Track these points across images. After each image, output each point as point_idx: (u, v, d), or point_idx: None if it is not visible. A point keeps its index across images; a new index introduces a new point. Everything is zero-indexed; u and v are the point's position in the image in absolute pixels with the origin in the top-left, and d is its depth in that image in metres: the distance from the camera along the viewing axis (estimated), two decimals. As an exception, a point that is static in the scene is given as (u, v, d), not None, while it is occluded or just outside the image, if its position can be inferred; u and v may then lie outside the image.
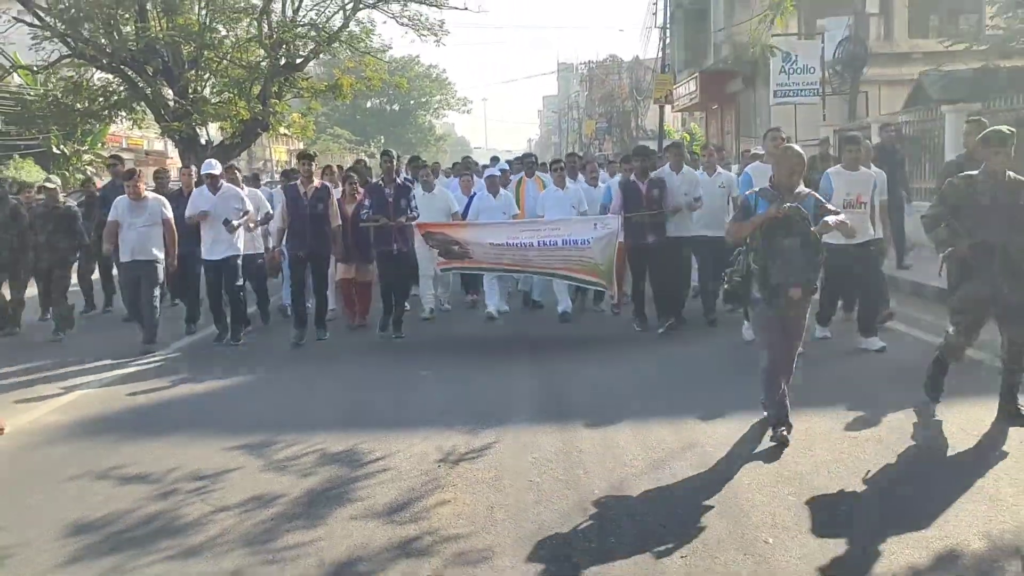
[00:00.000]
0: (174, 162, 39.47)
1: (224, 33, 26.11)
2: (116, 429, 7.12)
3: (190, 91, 25.31)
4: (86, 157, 32.60)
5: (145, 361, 9.68)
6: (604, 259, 9.75)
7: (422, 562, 4.36)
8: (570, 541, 4.58)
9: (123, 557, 4.47)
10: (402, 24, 26.51)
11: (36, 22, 23.83)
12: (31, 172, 26.75)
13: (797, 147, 6.11)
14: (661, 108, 29.03)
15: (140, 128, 31.18)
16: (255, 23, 25.51)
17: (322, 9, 26.79)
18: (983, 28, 18.71)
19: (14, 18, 23.95)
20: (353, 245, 10.63)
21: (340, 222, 10.10)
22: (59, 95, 26.06)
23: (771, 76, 18.42)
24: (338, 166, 14.84)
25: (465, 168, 14.07)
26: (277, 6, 25.65)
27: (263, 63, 25.33)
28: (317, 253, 10.00)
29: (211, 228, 9.92)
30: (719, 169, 10.64)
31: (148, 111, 26.25)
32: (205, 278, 10.31)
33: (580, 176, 12.26)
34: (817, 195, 6.16)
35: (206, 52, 24.89)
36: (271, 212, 10.67)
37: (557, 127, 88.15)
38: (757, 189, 6.18)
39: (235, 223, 9.74)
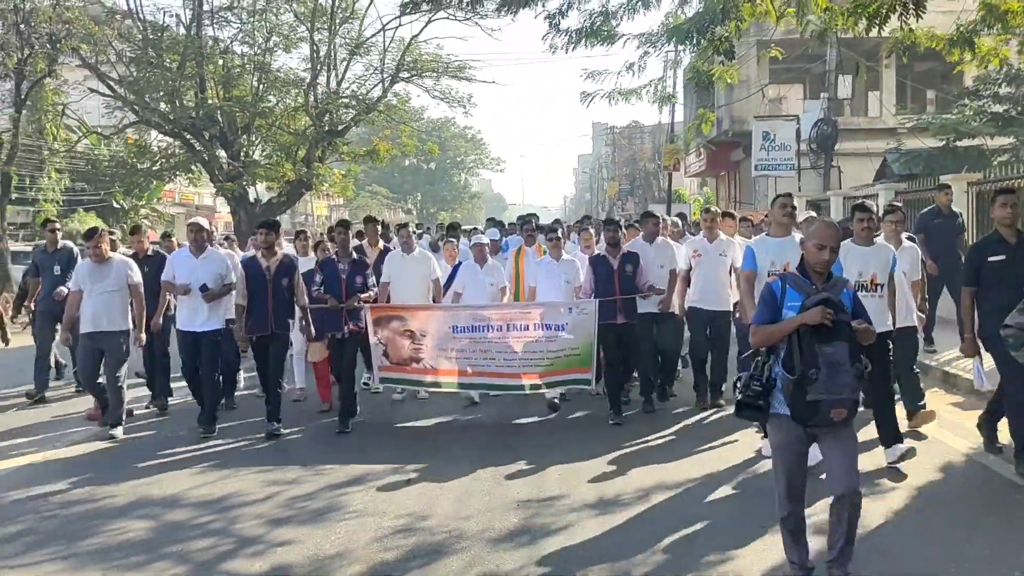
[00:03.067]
0: (222, 216, 42.50)
1: (274, 103, 28.99)
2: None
3: (242, 154, 28.20)
4: (143, 211, 35.56)
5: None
6: (582, 344, 8.58)
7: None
8: None
9: None
10: (434, 97, 29.33)
11: (109, 92, 26.86)
12: (93, 225, 29.46)
13: (828, 219, 5.04)
14: (670, 175, 31.35)
15: (196, 187, 34.09)
16: (302, 94, 28.37)
17: (363, 82, 29.78)
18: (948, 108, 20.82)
19: (89, 88, 27.01)
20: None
21: (306, 301, 8.69)
22: (126, 157, 29.15)
23: (753, 152, 20.72)
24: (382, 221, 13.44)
25: (451, 233, 12.31)
26: (323, 79, 28.51)
27: (308, 130, 28.11)
28: (278, 334, 8.46)
29: (191, 297, 8.55)
30: (721, 236, 9.15)
31: (204, 172, 29.11)
32: (181, 351, 8.72)
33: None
34: (857, 285, 5.27)
35: (258, 120, 27.72)
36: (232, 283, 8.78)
37: (589, 185, 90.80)
38: (781, 273, 5.19)
39: (213, 290, 8.50)
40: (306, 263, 9.50)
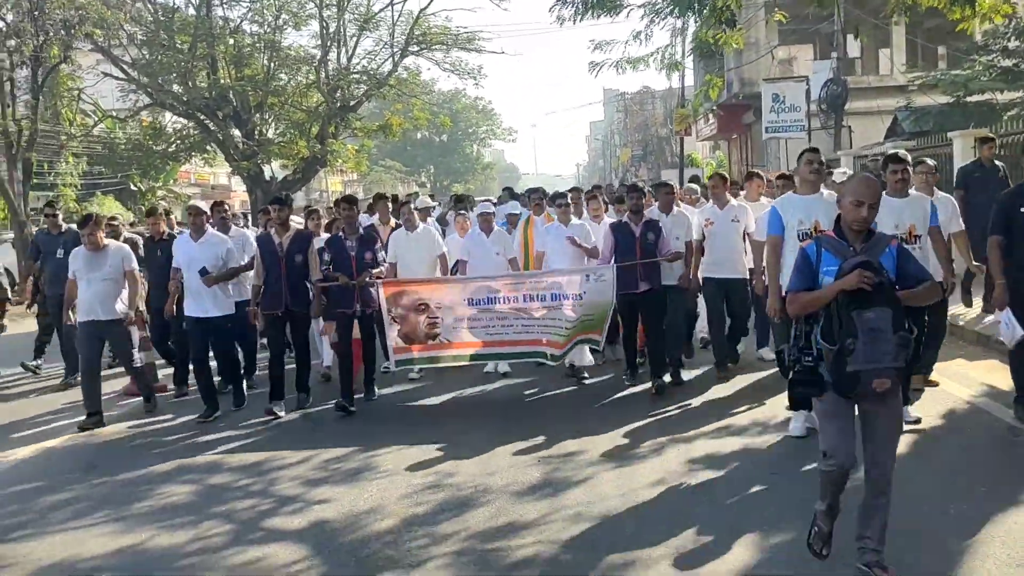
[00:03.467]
0: (237, 195, 42.94)
1: (286, 81, 29.23)
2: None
3: (256, 133, 28.49)
4: (159, 193, 35.95)
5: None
6: (596, 311, 8.45)
7: None
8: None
9: None
10: (444, 70, 29.51)
11: (122, 76, 27.16)
12: (111, 208, 29.87)
13: (867, 174, 4.67)
14: (681, 140, 31.45)
15: (211, 167, 34.44)
16: (314, 71, 28.58)
17: (373, 57, 29.96)
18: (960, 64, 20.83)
19: (103, 72, 27.32)
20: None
21: (319, 276, 8.47)
22: (142, 139, 29.52)
23: (763, 114, 20.85)
24: (393, 196, 13.83)
25: (460, 205, 12.22)
26: (333, 55, 28.70)
27: (321, 106, 28.35)
28: (295, 311, 8.41)
29: (193, 280, 8.35)
30: (732, 201, 8.91)
31: (219, 151, 29.45)
32: (190, 337, 8.66)
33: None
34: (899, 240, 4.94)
35: (270, 98, 27.97)
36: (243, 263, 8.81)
37: (602, 152, 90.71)
38: (816, 236, 4.73)
39: (212, 274, 8.23)
40: (319, 243, 9.13)
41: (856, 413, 4.22)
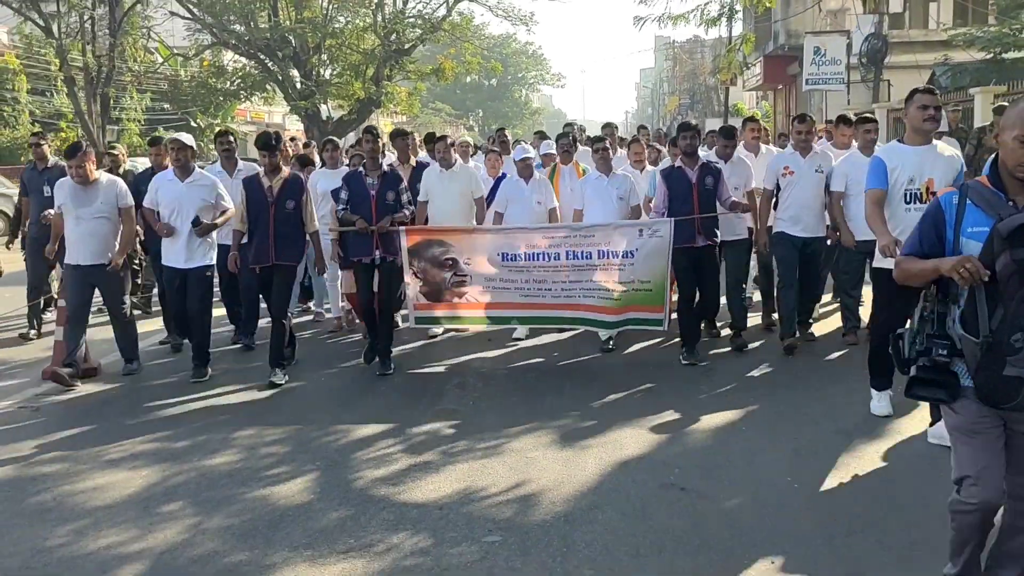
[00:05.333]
0: (290, 133, 44.09)
1: (343, 23, 30.24)
2: None
3: (314, 74, 29.63)
4: (218, 129, 37.36)
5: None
6: (654, 276, 7.22)
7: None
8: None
9: None
10: (497, 15, 30.32)
11: (188, 15, 28.39)
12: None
13: None
14: (727, 89, 31.90)
15: (270, 105, 35.70)
16: (370, 14, 29.55)
17: (428, 2, 30.83)
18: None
19: (171, 12, 28.56)
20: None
21: (317, 227, 7.42)
22: (205, 78, 30.83)
23: (804, 67, 21.44)
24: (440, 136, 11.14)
25: (499, 142, 10.60)
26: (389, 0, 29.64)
27: (376, 49, 29.34)
28: (282, 265, 7.18)
29: (178, 225, 7.25)
30: (815, 148, 7.63)
31: (278, 91, 30.64)
32: (166, 289, 7.72)
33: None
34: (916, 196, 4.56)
35: (328, 40, 29.02)
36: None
37: (651, 100, 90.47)
38: (964, 184, 3.31)
39: (206, 223, 7.25)
40: (336, 176, 8.16)
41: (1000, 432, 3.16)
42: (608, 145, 8.31)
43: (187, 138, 7.54)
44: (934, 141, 5.52)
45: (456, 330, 8.39)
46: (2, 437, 5.79)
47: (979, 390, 3.06)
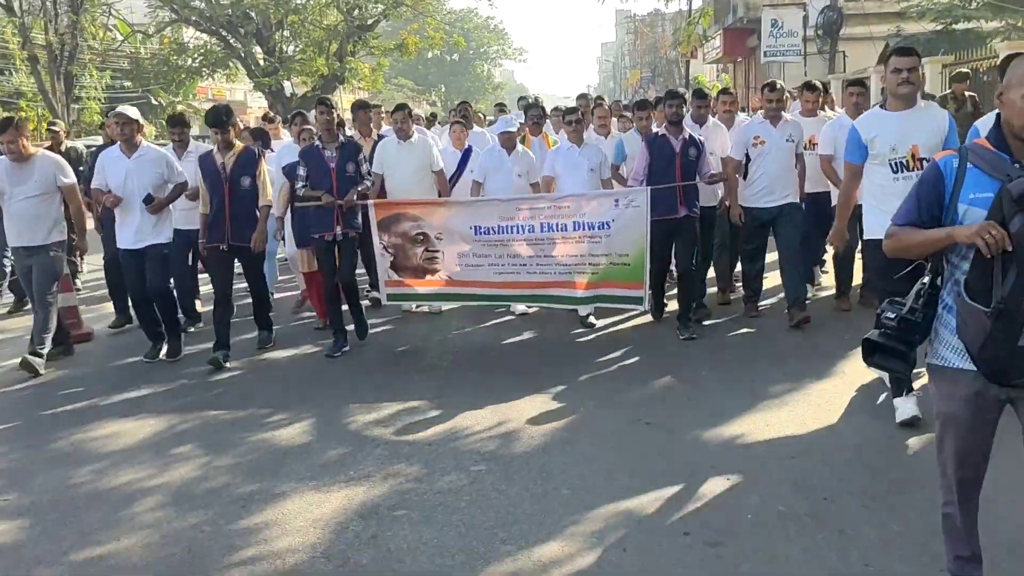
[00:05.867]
0: (252, 112, 44.05)
1: (305, -1, 30.32)
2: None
3: (277, 50, 29.68)
4: (180, 107, 37.23)
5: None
6: (631, 249, 6.89)
7: None
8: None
9: None
10: (460, -10, 30.52)
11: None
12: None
13: None
14: (687, 62, 32.38)
15: (232, 83, 35.63)
16: (332, -10, 29.64)
17: (390, -24, 30.92)
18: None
19: (130, -12, 28.45)
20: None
21: (270, 201, 7.15)
22: (166, 55, 30.74)
23: (761, 39, 21.96)
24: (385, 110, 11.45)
25: (461, 115, 10.03)
26: (351, -26, 29.69)
27: (339, 24, 29.44)
28: (239, 247, 6.91)
29: (125, 205, 6.87)
30: (785, 116, 7.40)
31: (241, 68, 30.63)
32: (124, 271, 7.18)
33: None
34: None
35: (290, 16, 29.07)
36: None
37: (613, 74, 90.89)
38: (963, 146, 3.02)
39: (159, 199, 6.88)
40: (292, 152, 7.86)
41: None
42: (580, 116, 8.09)
43: (132, 111, 7.07)
44: (920, 103, 5.10)
45: (428, 309, 8.18)
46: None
47: (987, 364, 2.78)
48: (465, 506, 4.10)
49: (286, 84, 30.60)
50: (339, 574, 3.58)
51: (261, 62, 29.34)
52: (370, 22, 30.42)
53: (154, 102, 35.12)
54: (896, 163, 4.99)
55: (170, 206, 7.08)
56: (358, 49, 30.71)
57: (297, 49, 31.09)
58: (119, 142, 6.98)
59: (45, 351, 6.77)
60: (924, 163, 4.73)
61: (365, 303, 8.00)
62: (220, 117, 6.88)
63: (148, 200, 6.78)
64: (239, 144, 7.03)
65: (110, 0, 27.73)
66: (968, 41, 19.79)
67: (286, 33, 30.23)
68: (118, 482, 4.53)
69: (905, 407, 4.81)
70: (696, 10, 13.23)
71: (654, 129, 7.51)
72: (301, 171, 7.05)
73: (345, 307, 7.22)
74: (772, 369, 6.03)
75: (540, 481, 4.33)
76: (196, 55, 30.85)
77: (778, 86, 7.45)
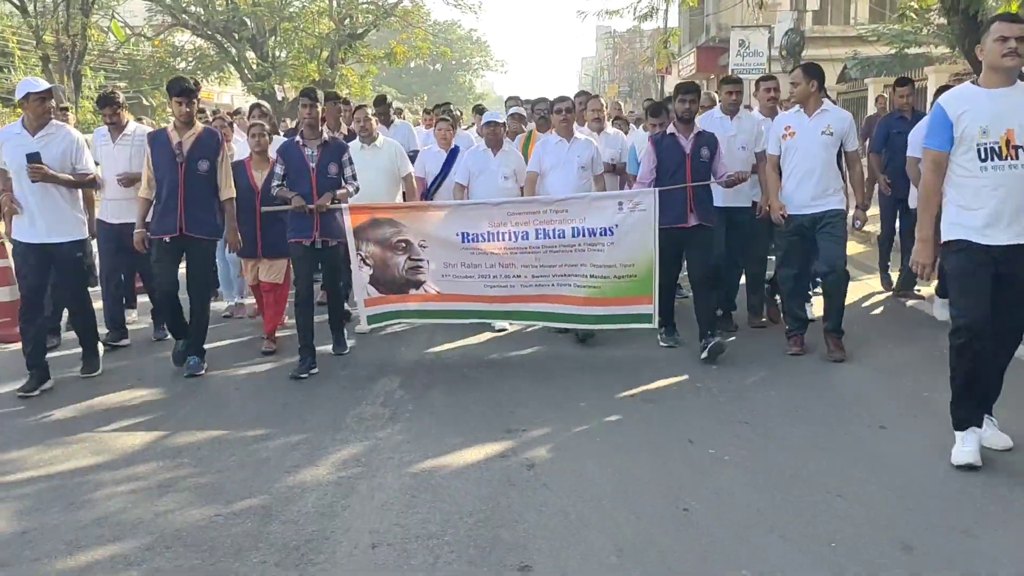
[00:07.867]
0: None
1: (299, 7, 31.64)
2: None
3: (270, 56, 30.97)
4: (169, 109, 38.24)
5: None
6: (638, 258, 6.34)
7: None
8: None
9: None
10: (448, 3, 32.08)
11: (148, -2, 29.51)
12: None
13: None
14: (662, 78, 33.89)
15: (225, 86, 36.87)
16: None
17: (380, -13, 32.39)
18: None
19: (131, -9, 29.62)
20: (260, 230, 6.98)
21: (233, 193, 6.40)
22: (162, 57, 31.93)
23: (730, 58, 23.46)
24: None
25: (445, 114, 9.00)
26: (343, -16, 31.12)
27: (331, 32, 30.79)
28: (195, 236, 6.24)
29: (28, 191, 5.91)
30: (825, 105, 6.44)
31: (234, 71, 31.88)
32: (20, 268, 6.22)
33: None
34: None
35: (284, 23, 30.37)
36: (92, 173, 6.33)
37: (592, 88, 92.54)
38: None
39: (51, 169, 5.89)
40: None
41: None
42: (572, 106, 7.51)
43: (41, 83, 6.02)
44: (1020, 83, 4.33)
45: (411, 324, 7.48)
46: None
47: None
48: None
49: (277, 88, 31.86)
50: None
51: (254, 67, 30.59)
52: (360, 31, 31.81)
53: (146, 102, 36.22)
54: (986, 149, 4.25)
55: (79, 200, 6.25)
56: (348, 56, 32.05)
57: (289, 55, 32.40)
58: (23, 117, 6.05)
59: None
60: (1019, 151, 4.23)
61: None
62: (187, 86, 6.19)
63: (33, 159, 5.78)
64: (199, 125, 6.40)
65: (113, 3, 28.86)
66: (919, 64, 21.41)
67: (279, 39, 31.55)
68: (124, 443, 5.05)
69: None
70: (669, 29, 14.64)
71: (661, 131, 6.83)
72: (278, 168, 6.49)
73: (320, 318, 6.81)
74: (759, 358, 6.52)
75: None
76: (191, 59, 32.10)
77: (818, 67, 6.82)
